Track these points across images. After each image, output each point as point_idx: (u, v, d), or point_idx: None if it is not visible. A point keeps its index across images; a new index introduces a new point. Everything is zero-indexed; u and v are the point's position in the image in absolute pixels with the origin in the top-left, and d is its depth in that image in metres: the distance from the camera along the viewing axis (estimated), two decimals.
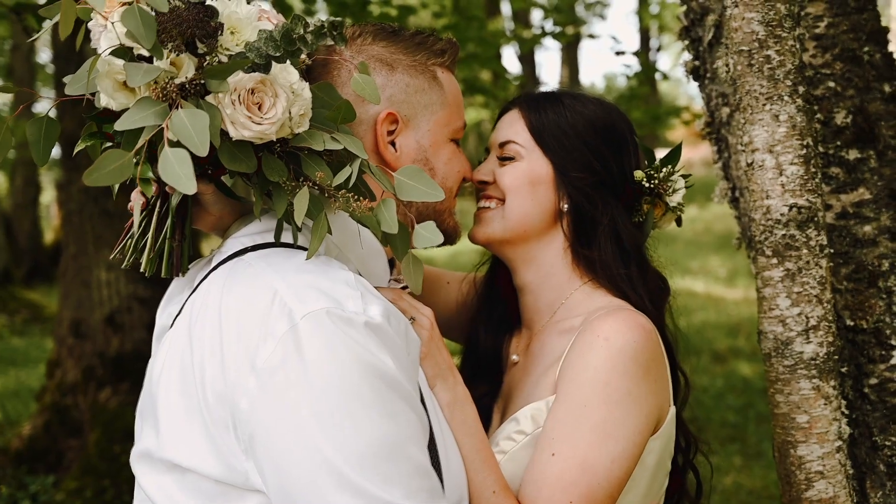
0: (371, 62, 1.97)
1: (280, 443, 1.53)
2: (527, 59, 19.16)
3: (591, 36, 8.52)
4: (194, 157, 1.42)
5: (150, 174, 1.55)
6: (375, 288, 1.79)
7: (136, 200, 1.78)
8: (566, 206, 2.14)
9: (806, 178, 2.17)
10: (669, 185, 2.24)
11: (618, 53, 7.96)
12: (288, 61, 1.57)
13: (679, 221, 2.35)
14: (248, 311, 1.61)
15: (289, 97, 1.57)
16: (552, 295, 2.18)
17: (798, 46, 2.18)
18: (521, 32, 11.25)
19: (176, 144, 1.41)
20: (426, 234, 1.68)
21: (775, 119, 2.17)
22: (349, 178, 1.61)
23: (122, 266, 1.82)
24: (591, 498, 1.87)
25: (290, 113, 1.59)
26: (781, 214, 2.17)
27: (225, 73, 1.51)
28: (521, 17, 18.46)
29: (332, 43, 1.52)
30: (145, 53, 1.52)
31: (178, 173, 1.38)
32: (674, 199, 2.26)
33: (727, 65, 2.25)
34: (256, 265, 1.71)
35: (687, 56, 2.51)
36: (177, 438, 1.66)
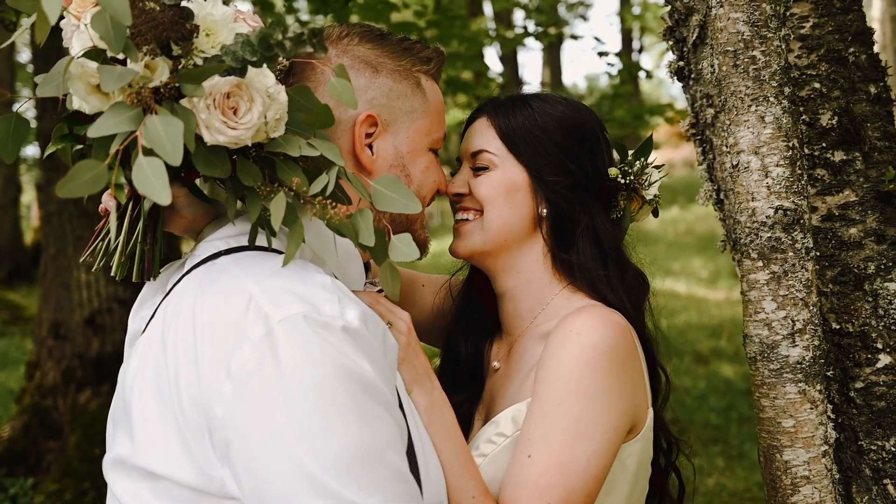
0: (355, 63, 1.95)
1: (256, 449, 1.50)
2: (509, 60, 19.13)
3: (574, 37, 8.51)
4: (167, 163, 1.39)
5: (123, 179, 1.51)
6: (352, 292, 1.76)
7: (108, 203, 1.75)
8: (545, 210, 2.12)
9: (792, 179, 2.14)
10: (644, 178, 2.23)
11: (600, 54, 7.96)
12: (265, 65, 1.53)
13: (656, 213, 2.34)
14: (223, 315, 1.57)
15: (265, 101, 1.54)
16: (532, 301, 2.16)
17: (784, 47, 2.16)
18: (504, 32, 11.21)
19: (150, 153, 1.37)
20: (403, 248, 1.66)
21: (761, 120, 2.15)
22: (326, 185, 1.58)
23: (93, 269, 1.79)
24: (569, 498, 1.85)
25: (265, 117, 1.56)
26: (767, 217, 2.15)
27: (200, 76, 1.47)
28: (503, 18, 18.45)
29: (312, 50, 1.47)
30: (120, 56, 1.48)
31: (153, 183, 1.34)
32: (650, 192, 2.25)
33: (712, 66, 2.22)
34: (231, 269, 1.68)
35: (671, 56, 2.48)
36: (151, 445, 1.62)
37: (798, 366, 2.15)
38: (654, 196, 2.27)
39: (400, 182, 1.68)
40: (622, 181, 2.20)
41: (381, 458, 1.53)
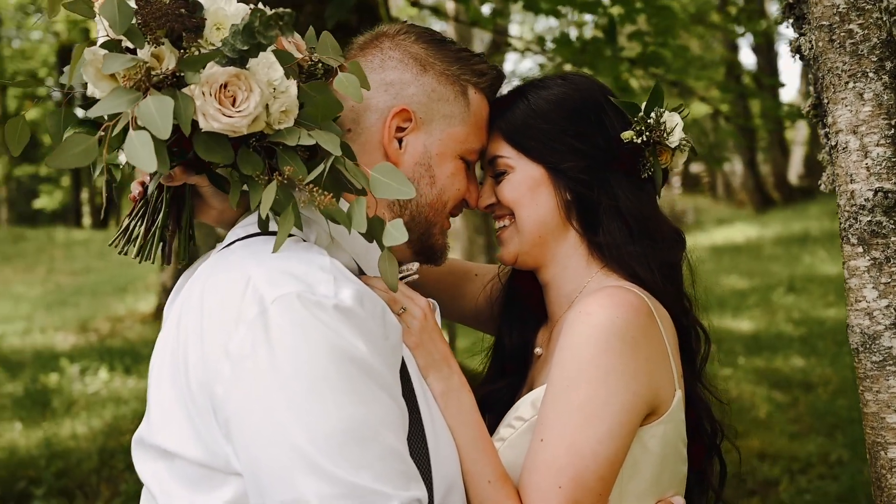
0: (405, 58, 2.02)
1: (250, 426, 1.56)
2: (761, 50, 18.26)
3: None
4: (181, 146, 1.53)
5: (119, 160, 1.65)
6: (373, 278, 1.83)
7: (137, 190, 1.88)
8: (569, 197, 2.11)
9: (893, 160, 2.01)
10: (663, 128, 2.15)
11: None
12: (274, 59, 1.64)
13: (694, 152, 2.26)
14: (225, 297, 1.64)
15: (263, 93, 1.61)
16: (570, 286, 2.15)
17: (885, 19, 2.03)
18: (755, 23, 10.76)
19: (140, 128, 1.48)
20: (393, 232, 1.69)
21: (859, 98, 2.02)
22: (323, 173, 1.65)
23: (119, 252, 1.91)
24: (581, 482, 1.84)
25: (267, 108, 1.63)
26: (866, 200, 2.02)
27: (197, 64, 1.58)
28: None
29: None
30: (131, 45, 1.60)
31: (140, 153, 1.46)
32: (673, 139, 2.16)
33: (809, 42, 2.11)
34: (238, 253, 1.75)
35: (792, 34, 2.37)
36: (164, 424, 1.71)
37: None
38: (681, 141, 2.19)
39: (396, 170, 1.71)
40: (639, 140, 2.13)
41: (373, 436, 1.56)
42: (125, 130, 1.49)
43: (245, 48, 1.57)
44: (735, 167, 31.37)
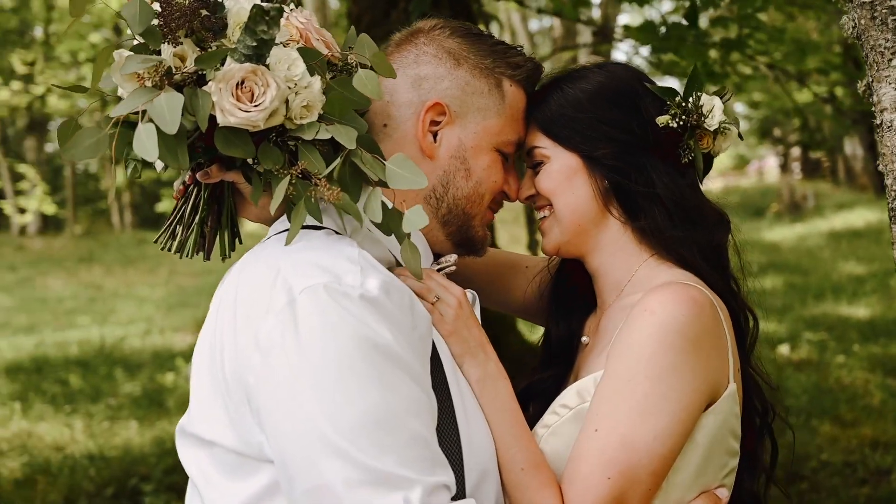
0: (439, 52, 2.04)
1: (279, 415, 1.60)
2: None
3: None
4: (206, 140, 1.60)
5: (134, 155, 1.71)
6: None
7: (177, 188, 1.94)
8: (605, 184, 2.09)
9: None
10: (700, 111, 2.11)
11: None
12: (296, 55, 1.68)
13: (740, 136, 2.21)
14: (256, 289, 1.69)
15: (281, 88, 1.64)
16: (619, 273, 2.13)
17: None
18: None
19: (149, 121, 1.56)
20: (413, 218, 1.70)
21: None
22: (336, 167, 1.69)
23: (162, 249, 1.97)
24: (632, 475, 1.82)
25: (286, 103, 1.67)
26: None
27: (212, 60, 1.62)
28: None
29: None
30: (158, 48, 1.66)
31: (145, 144, 1.54)
32: (713, 122, 2.12)
33: (853, 20, 2.07)
34: (271, 247, 1.80)
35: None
36: (202, 414, 1.76)
37: None
38: (723, 122, 2.14)
39: (409, 160, 1.73)
40: (675, 125, 2.10)
41: (399, 422, 1.58)
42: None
43: (254, 44, 1.61)
44: (856, 151, 30.37)
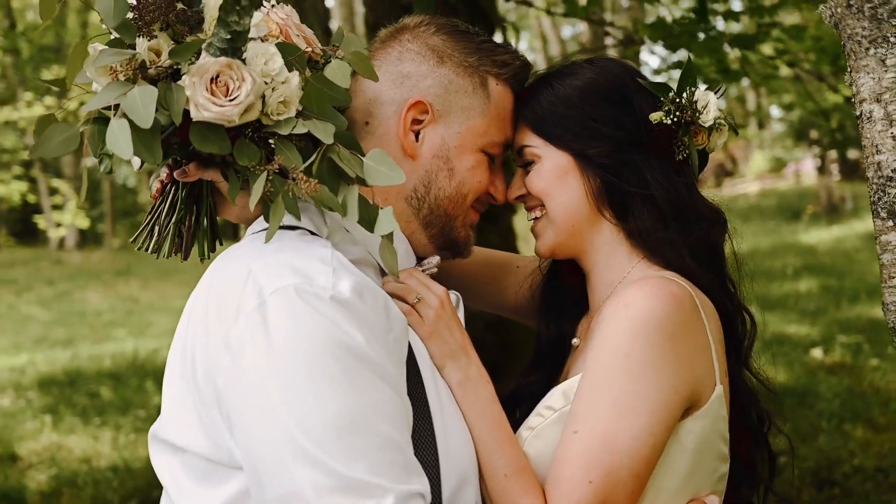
0: (423, 50, 2.00)
1: (248, 417, 1.57)
2: None
3: None
4: (181, 136, 1.58)
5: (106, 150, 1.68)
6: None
7: (154, 188, 1.90)
8: (598, 182, 2.04)
9: None
10: (695, 107, 2.06)
11: None
12: (275, 51, 1.66)
13: (735, 130, 2.16)
14: (227, 290, 1.66)
15: (256, 82, 1.62)
16: (612, 276, 2.08)
17: None
18: None
19: (123, 117, 1.53)
20: (383, 220, 1.68)
21: (881, 64, 1.90)
22: (314, 163, 1.66)
23: (138, 249, 1.93)
24: (613, 477, 1.77)
25: (262, 98, 1.64)
26: (893, 171, 1.91)
27: (185, 53, 1.60)
28: None
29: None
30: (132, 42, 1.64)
31: (119, 141, 1.51)
32: (708, 118, 2.06)
33: (829, 8, 2.01)
34: (244, 248, 1.78)
35: None
36: (174, 419, 1.73)
37: None
38: (717, 119, 2.09)
39: (386, 156, 1.70)
40: (668, 121, 2.04)
41: (370, 427, 1.55)
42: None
43: (228, 37, 1.59)
44: None
